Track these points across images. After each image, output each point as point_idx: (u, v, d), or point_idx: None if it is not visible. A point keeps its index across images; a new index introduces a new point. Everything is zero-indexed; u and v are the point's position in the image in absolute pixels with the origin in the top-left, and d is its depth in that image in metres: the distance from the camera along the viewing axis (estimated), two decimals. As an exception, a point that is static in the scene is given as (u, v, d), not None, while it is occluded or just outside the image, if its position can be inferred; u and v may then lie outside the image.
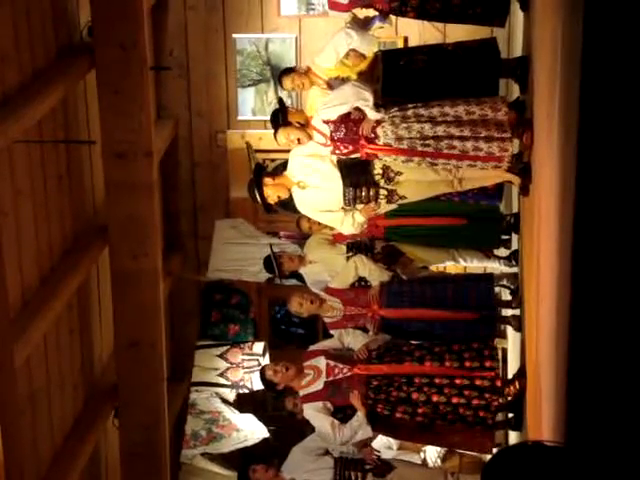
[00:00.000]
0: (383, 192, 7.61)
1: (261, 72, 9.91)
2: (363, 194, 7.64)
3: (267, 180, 7.76)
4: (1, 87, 6.42)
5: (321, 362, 7.37)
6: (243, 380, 9.80)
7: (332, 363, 7.34)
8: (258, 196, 7.71)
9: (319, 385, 7.31)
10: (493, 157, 7.10)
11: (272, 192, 7.69)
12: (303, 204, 7.82)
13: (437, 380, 7.08)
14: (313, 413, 7.30)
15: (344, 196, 7.65)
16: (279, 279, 8.39)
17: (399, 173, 7.51)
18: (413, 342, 7.44)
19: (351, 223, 7.71)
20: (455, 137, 7.10)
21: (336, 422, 7.23)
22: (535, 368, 6.11)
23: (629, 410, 3.76)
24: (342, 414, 7.28)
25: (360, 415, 7.16)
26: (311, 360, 7.45)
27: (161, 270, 8.18)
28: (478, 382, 7.06)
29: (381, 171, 7.56)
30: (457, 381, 7.07)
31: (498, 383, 7.09)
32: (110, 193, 7.79)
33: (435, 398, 7.05)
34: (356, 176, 7.63)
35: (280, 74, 8.28)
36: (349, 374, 7.25)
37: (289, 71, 8.22)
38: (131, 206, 7.79)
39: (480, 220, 8.06)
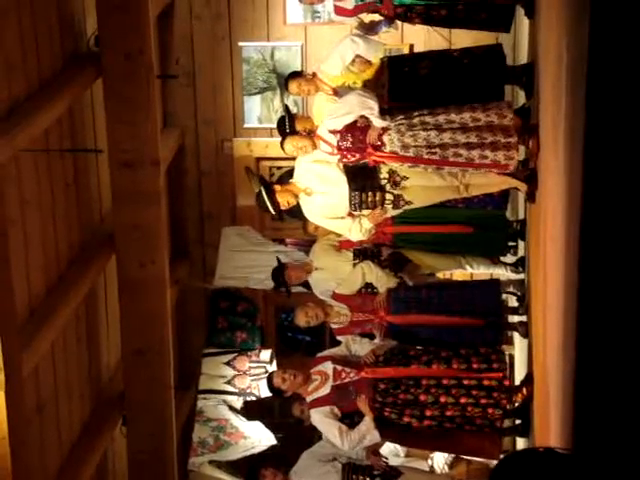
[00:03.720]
0: (389, 197, 7.63)
1: (267, 80, 9.91)
2: (369, 199, 7.65)
3: (276, 187, 7.79)
4: (8, 96, 6.44)
5: (328, 366, 7.38)
6: (250, 387, 9.79)
7: (339, 367, 7.34)
8: (269, 203, 7.70)
9: (326, 389, 7.30)
10: (499, 165, 7.11)
11: (282, 198, 7.71)
12: (310, 211, 7.83)
13: (445, 381, 7.07)
14: (320, 418, 7.29)
15: (350, 201, 7.66)
16: (287, 294, 8.34)
17: (405, 178, 7.52)
18: (420, 347, 7.45)
19: (359, 229, 7.72)
20: (461, 144, 7.11)
21: (344, 427, 7.21)
22: (542, 374, 6.11)
23: (637, 415, 3.76)
24: (350, 420, 7.28)
25: (368, 420, 7.15)
26: (318, 366, 7.45)
27: (168, 278, 8.20)
28: (486, 382, 7.05)
29: (387, 175, 7.58)
30: (465, 382, 7.05)
31: (506, 382, 7.08)
32: (117, 201, 7.81)
33: (443, 399, 7.03)
34: (362, 181, 7.64)
35: (287, 77, 8.28)
36: (356, 378, 7.25)
37: (296, 75, 8.21)
38: (138, 214, 7.81)
39: (487, 228, 8.05)
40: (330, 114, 7.54)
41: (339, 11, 8.13)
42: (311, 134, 7.68)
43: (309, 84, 8.05)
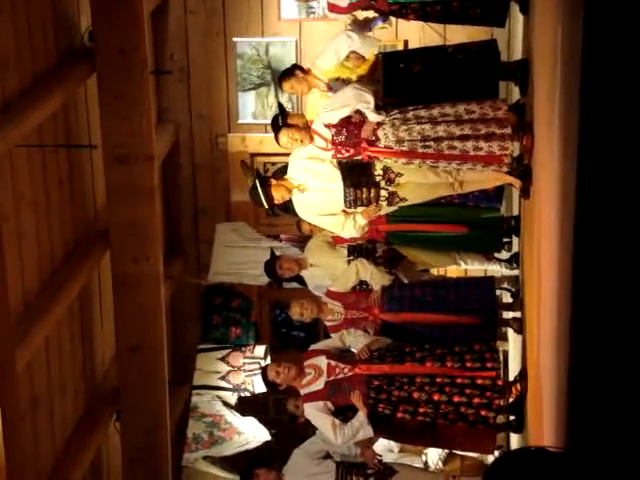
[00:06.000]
0: (384, 194, 7.62)
1: (261, 76, 9.91)
2: (364, 195, 7.64)
3: (271, 181, 7.78)
4: (2, 92, 6.43)
5: (322, 361, 7.38)
6: (244, 383, 9.79)
7: (333, 362, 7.35)
8: (263, 197, 7.69)
9: (320, 384, 7.31)
10: (493, 157, 7.09)
11: (277, 193, 7.70)
12: (303, 208, 7.82)
13: (438, 379, 7.08)
14: (314, 412, 7.30)
15: (345, 197, 7.66)
16: (278, 285, 8.39)
17: (399, 174, 7.51)
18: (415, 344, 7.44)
19: (352, 225, 7.71)
20: (456, 137, 7.10)
21: (337, 421, 7.22)
22: (536, 370, 6.12)
23: (631, 412, 3.76)
24: (343, 416, 7.29)
25: (361, 415, 7.16)
26: (312, 359, 7.46)
27: (162, 274, 8.19)
28: (479, 381, 7.06)
29: (382, 172, 7.57)
30: (458, 380, 7.07)
31: (499, 382, 7.10)
32: (111, 197, 7.80)
33: (436, 397, 7.05)
34: (357, 177, 7.63)
35: (279, 77, 8.27)
36: (350, 374, 7.25)
37: (287, 76, 8.15)
38: (132, 210, 7.80)
39: (481, 227, 8.06)
40: (326, 107, 7.52)
41: (333, 8, 8.12)
42: (306, 128, 7.66)
43: (300, 83, 8.01)
